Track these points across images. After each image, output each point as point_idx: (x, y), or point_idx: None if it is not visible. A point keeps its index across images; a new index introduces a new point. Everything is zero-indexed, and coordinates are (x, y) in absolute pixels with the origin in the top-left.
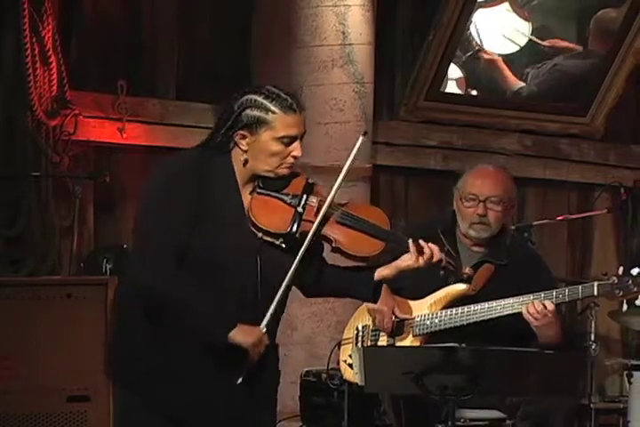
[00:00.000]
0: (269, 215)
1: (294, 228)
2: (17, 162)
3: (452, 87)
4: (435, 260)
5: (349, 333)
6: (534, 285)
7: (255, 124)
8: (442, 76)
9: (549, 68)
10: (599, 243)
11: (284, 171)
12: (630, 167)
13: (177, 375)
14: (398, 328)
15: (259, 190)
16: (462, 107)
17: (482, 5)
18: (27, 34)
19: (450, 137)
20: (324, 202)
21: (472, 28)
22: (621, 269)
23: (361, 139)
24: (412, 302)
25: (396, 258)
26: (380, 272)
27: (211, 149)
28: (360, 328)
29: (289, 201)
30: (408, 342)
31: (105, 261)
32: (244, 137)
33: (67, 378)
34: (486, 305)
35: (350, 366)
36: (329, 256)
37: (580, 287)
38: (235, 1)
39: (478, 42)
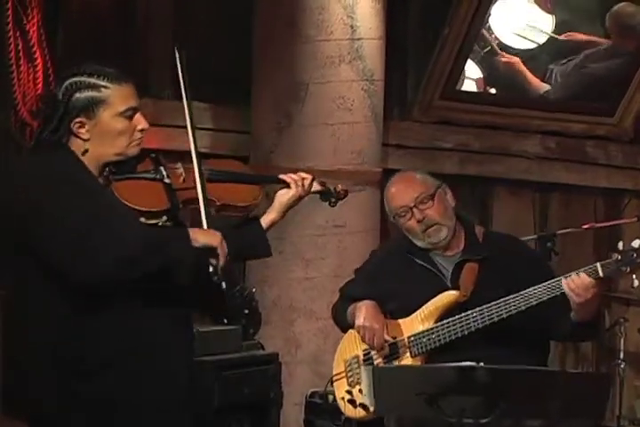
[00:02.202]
0: (144, 197)
1: (174, 200)
2: None
3: (468, 85)
4: (313, 188)
5: (339, 367)
6: (530, 272)
7: (91, 106)
8: (458, 73)
9: (573, 68)
10: None
11: (134, 150)
12: None
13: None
14: (393, 351)
15: (116, 177)
16: (480, 106)
17: None
18: (10, 28)
19: (467, 139)
20: (186, 166)
21: (491, 22)
22: (621, 244)
23: (177, 53)
24: (401, 321)
25: None
26: (267, 218)
27: (46, 151)
28: (350, 359)
29: (151, 176)
30: (408, 364)
31: None
32: (82, 125)
33: None
34: (485, 309)
35: (350, 402)
36: None
37: (583, 271)
38: None
39: (497, 36)
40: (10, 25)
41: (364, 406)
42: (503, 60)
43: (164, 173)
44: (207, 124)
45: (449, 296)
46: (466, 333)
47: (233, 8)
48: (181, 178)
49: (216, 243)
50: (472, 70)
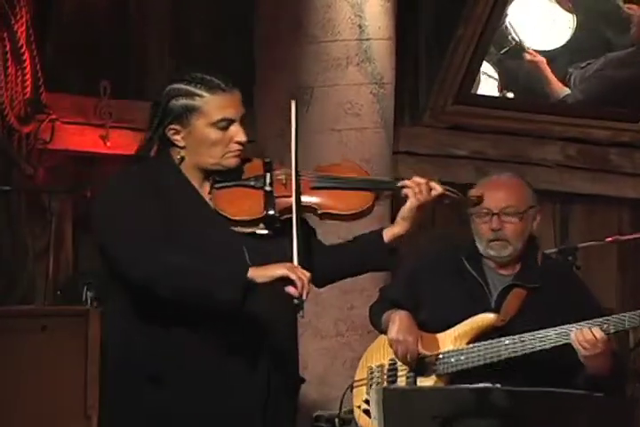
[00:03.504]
0: (239, 205)
1: (270, 208)
2: None
3: (484, 89)
4: (435, 193)
5: (362, 373)
6: (574, 311)
7: (185, 114)
8: (473, 75)
9: (593, 72)
10: None
11: (231, 161)
12: None
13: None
14: (420, 366)
15: (216, 185)
16: (497, 111)
17: None
18: None
19: (482, 146)
20: (291, 173)
21: (508, 21)
22: None
23: (293, 104)
24: (433, 336)
25: None
26: (391, 231)
27: (151, 154)
28: (374, 368)
29: (253, 184)
30: (431, 382)
31: (85, 288)
32: (177, 132)
33: (42, 423)
34: (518, 338)
35: (365, 411)
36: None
37: (627, 317)
38: None
39: (515, 37)
40: None
41: None
42: (528, 57)
43: (268, 180)
44: None
45: (486, 319)
46: (495, 360)
47: (233, 7)
48: (283, 185)
49: (283, 271)
50: (488, 73)
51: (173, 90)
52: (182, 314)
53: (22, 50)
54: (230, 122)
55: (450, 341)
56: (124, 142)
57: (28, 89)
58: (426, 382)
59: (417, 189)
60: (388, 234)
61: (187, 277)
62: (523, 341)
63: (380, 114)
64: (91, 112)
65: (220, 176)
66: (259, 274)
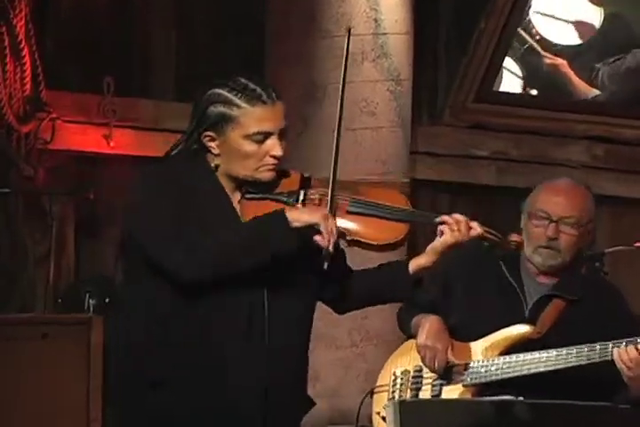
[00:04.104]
0: None
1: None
2: None
3: (506, 86)
4: (474, 234)
5: (385, 379)
6: (609, 325)
7: (221, 123)
8: (495, 72)
9: (624, 70)
10: None
11: (264, 175)
12: None
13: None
14: (446, 375)
15: (247, 195)
16: (520, 109)
17: None
18: None
19: (504, 146)
20: (324, 192)
21: (531, 15)
22: None
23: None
24: (463, 345)
25: None
26: (417, 262)
27: (184, 156)
28: (398, 374)
29: (285, 200)
30: (457, 393)
31: (87, 295)
32: (212, 139)
33: None
34: (554, 353)
35: (385, 419)
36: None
37: None
38: None
39: (539, 31)
40: None
41: None
42: (547, 61)
43: (301, 197)
44: None
45: (522, 331)
46: (527, 373)
47: (237, 5)
48: (315, 205)
49: (317, 219)
50: (510, 69)
51: (214, 95)
52: (186, 315)
53: (21, 45)
54: (267, 135)
55: (481, 350)
56: (127, 142)
57: (28, 86)
58: (452, 391)
59: (455, 226)
60: (413, 265)
61: (236, 245)
62: (558, 355)
63: (396, 112)
64: (93, 110)
65: (253, 187)
66: (294, 217)
